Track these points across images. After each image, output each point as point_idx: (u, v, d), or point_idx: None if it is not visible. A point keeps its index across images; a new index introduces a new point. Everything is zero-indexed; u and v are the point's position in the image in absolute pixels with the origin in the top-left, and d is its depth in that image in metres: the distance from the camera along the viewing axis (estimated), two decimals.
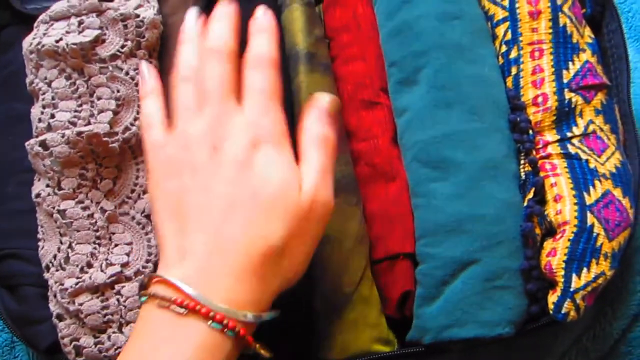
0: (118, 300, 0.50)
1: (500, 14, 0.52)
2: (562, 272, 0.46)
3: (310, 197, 0.42)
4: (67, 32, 0.51)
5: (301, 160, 0.44)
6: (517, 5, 0.51)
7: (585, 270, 0.46)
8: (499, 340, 0.47)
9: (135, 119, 0.52)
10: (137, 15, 0.53)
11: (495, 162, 0.49)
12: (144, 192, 0.53)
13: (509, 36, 0.52)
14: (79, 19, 0.52)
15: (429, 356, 0.49)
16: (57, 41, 0.51)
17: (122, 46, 0.52)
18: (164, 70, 0.55)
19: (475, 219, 0.47)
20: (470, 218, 0.47)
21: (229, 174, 0.42)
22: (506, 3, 0.52)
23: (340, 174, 0.51)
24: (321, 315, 0.50)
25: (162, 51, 0.55)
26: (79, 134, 0.50)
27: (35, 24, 0.53)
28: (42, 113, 0.51)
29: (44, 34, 0.52)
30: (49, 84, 0.51)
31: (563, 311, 0.45)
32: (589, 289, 0.46)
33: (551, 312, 0.46)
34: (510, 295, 0.47)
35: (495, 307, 0.46)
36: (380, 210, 0.51)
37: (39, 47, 0.51)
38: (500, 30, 0.52)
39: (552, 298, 0.46)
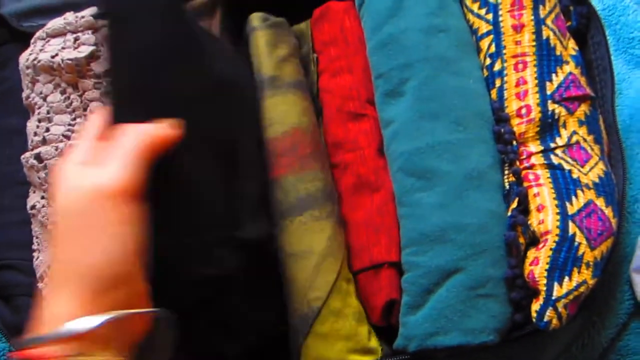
0: None
1: (484, 27, 0.53)
2: (545, 281, 0.46)
3: None
4: (63, 48, 0.53)
5: None
6: (500, 18, 0.52)
7: (567, 279, 0.46)
8: (483, 348, 0.47)
9: None
10: None
11: (480, 172, 0.50)
12: None
13: (492, 49, 0.53)
14: (74, 35, 0.53)
15: None
16: (52, 57, 0.52)
17: None
18: None
19: (460, 228, 0.48)
20: (455, 227, 0.48)
21: None
22: (490, 17, 0.53)
23: (305, 192, 0.52)
24: (294, 330, 0.51)
25: None
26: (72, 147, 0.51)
27: (32, 40, 0.54)
28: (37, 127, 0.53)
29: (41, 50, 0.53)
30: (45, 98, 0.53)
31: (545, 319, 0.46)
32: (571, 297, 0.46)
33: (534, 320, 0.47)
34: (494, 303, 0.48)
35: (480, 315, 0.47)
36: (366, 219, 0.52)
37: (35, 62, 0.52)
38: (485, 44, 0.53)
39: (535, 306, 0.47)
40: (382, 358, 0.50)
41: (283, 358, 0.53)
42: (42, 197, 0.52)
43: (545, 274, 0.46)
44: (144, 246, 0.40)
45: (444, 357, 0.49)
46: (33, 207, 0.53)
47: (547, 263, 0.47)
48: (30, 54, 0.53)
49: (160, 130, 0.43)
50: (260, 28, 0.57)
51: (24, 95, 0.54)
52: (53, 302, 0.39)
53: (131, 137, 0.42)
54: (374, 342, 0.51)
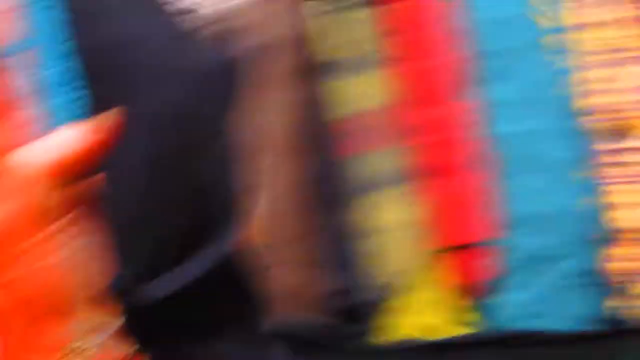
0: None
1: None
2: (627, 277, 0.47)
3: None
4: None
5: None
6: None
7: None
8: (580, 336, 0.48)
9: None
10: None
11: (590, 163, 0.50)
12: None
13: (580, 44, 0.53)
14: None
15: (506, 345, 0.50)
16: None
17: None
18: None
19: (568, 215, 0.48)
20: (563, 213, 0.49)
21: None
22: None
23: (389, 168, 0.52)
24: (388, 297, 0.51)
25: None
26: None
27: None
28: None
29: None
30: None
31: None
32: None
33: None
34: (595, 293, 0.48)
35: (579, 303, 0.48)
36: (465, 198, 0.52)
37: None
38: (572, 38, 0.53)
39: (626, 301, 0.47)
40: (470, 335, 0.50)
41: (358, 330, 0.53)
42: None
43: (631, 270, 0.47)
44: None
45: (537, 341, 0.49)
46: None
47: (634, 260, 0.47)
48: None
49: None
50: (334, 8, 0.56)
51: None
52: None
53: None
54: (464, 318, 0.51)
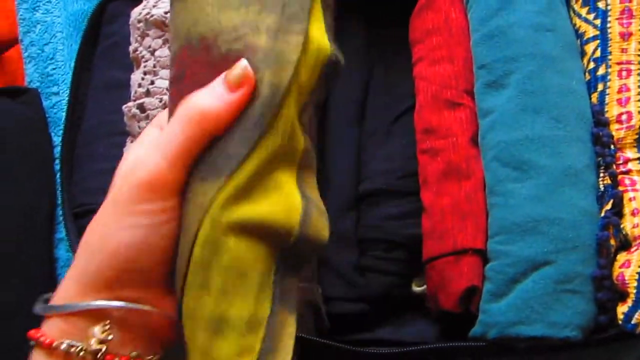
0: None
1: (591, 32, 0.54)
2: (635, 284, 0.46)
3: None
4: None
5: None
6: (608, 25, 0.53)
7: None
8: (565, 343, 0.47)
9: None
10: None
11: (576, 171, 0.50)
12: None
13: (598, 54, 0.53)
14: None
15: (492, 353, 0.50)
16: (165, 12, 0.53)
17: None
18: None
19: (552, 222, 0.48)
20: (548, 220, 0.48)
21: None
22: (598, 22, 0.53)
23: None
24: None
25: None
26: None
27: None
28: (142, 79, 0.54)
29: (154, 6, 0.54)
30: (153, 52, 0.54)
31: (633, 322, 0.46)
32: None
33: (620, 322, 0.46)
34: (581, 300, 0.47)
35: (565, 309, 0.47)
36: (452, 206, 0.52)
37: (148, 16, 0.54)
38: (590, 48, 0.54)
39: (623, 308, 0.47)
40: (460, 342, 0.50)
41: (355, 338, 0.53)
42: None
43: (637, 277, 0.46)
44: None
45: (523, 350, 0.49)
46: None
47: (639, 266, 0.47)
48: (143, 9, 0.55)
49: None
50: None
51: (131, 48, 0.55)
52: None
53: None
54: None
